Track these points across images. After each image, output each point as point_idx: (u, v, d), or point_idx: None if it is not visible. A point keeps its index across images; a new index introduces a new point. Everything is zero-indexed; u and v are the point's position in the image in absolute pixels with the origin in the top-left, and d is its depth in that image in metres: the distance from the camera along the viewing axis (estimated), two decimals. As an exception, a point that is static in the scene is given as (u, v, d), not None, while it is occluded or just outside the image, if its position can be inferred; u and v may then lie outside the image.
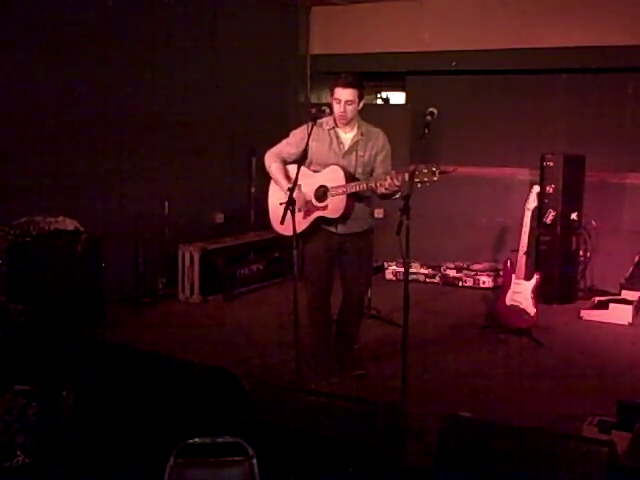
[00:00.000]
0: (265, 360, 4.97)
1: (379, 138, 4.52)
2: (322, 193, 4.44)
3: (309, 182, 4.46)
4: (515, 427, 2.90)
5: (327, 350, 4.73)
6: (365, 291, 4.80)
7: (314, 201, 4.47)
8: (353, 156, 4.47)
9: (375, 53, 7.85)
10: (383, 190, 4.21)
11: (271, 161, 4.57)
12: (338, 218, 4.44)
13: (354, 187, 4.33)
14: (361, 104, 4.43)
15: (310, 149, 4.47)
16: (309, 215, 4.49)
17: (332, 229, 4.52)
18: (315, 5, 8.15)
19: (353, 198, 4.41)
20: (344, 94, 4.35)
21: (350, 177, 4.40)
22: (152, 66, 6.50)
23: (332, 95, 4.41)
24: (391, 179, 4.11)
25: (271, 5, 7.86)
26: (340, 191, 4.35)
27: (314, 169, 4.50)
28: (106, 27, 6.05)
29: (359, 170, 4.47)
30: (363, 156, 4.48)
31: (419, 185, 3.94)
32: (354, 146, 4.48)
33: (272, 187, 4.64)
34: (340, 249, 4.58)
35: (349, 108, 4.37)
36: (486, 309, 6.42)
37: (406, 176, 3.98)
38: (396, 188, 4.12)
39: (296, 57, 8.30)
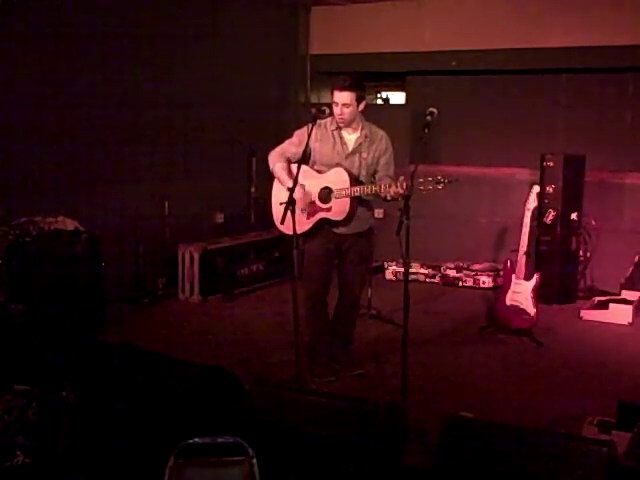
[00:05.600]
0: (265, 360, 4.97)
1: (382, 140, 4.53)
2: (326, 194, 4.45)
3: (313, 183, 4.47)
4: (515, 427, 2.90)
5: (324, 349, 4.74)
6: (361, 291, 4.81)
7: (318, 202, 4.48)
8: (356, 158, 4.48)
9: (375, 53, 7.84)
10: (387, 196, 4.22)
11: (275, 160, 4.57)
12: (342, 220, 4.45)
13: (359, 190, 4.33)
14: (361, 106, 4.42)
15: (313, 149, 4.49)
16: (312, 216, 4.50)
17: (334, 229, 4.53)
18: (315, 5, 8.15)
19: (356, 200, 4.41)
20: (341, 97, 4.35)
21: (354, 179, 4.40)
22: (152, 66, 6.49)
23: (332, 97, 4.42)
24: (396, 186, 4.12)
25: (271, 5, 7.85)
26: (345, 193, 4.36)
27: (318, 169, 4.51)
28: (106, 27, 6.05)
29: (363, 172, 4.47)
30: (366, 158, 4.48)
31: (424, 192, 3.98)
32: (358, 148, 4.49)
33: (275, 186, 4.64)
34: (340, 249, 4.59)
35: (346, 111, 4.37)
36: (486, 309, 6.42)
37: (412, 182, 3.99)
38: (400, 195, 4.11)
39: (296, 57, 8.30)
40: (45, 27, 5.61)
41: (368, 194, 4.36)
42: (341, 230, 4.52)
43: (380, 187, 4.25)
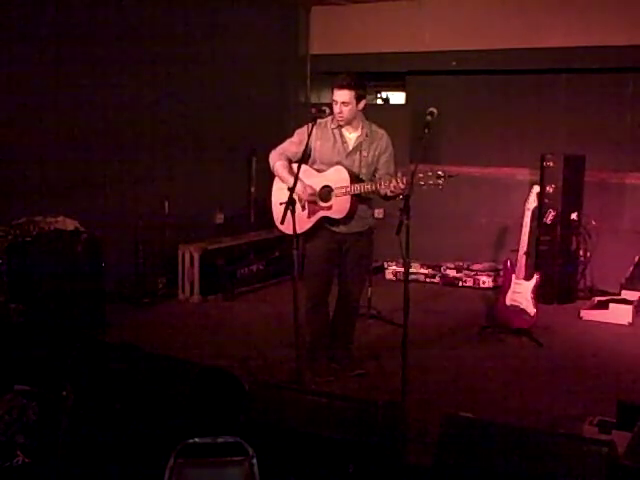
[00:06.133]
0: (265, 360, 4.97)
1: (383, 139, 4.54)
2: (326, 193, 4.45)
3: (313, 182, 4.48)
4: (515, 427, 2.90)
5: (324, 348, 4.74)
6: (361, 291, 4.82)
7: (318, 201, 4.48)
8: (357, 156, 4.49)
9: (375, 53, 7.84)
10: (388, 192, 4.23)
11: (276, 159, 4.58)
12: (342, 218, 4.45)
13: (359, 188, 4.34)
14: (361, 104, 4.43)
15: (314, 148, 4.50)
16: (313, 215, 4.51)
17: (334, 228, 4.53)
18: (315, 5, 8.15)
19: (357, 198, 4.42)
20: (339, 95, 4.37)
21: (355, 177, 4.41)
22: (152, 66, 6.50)
23: (332, 95, 4.44)
24: (396, 182, 4.13)
25: (271, 5, 7.85)
26: (345, 191, 4.36)
27: (318, 168, 4.52)
28: (106, 28, 6.06)
29: (363, 171, 4.48)
30: (367, 156, 4.49)
31: (424, 188, 3.99)
32: (358, 146, 4.49)
33: (275, 186, 4.65)
34: (341, 248, 4.59)
35: (345, 109, 4.39)
36: (486, 309, 6.42)
37: (412, 178, 3.99)
38: (400, 191, 4.12)
39: (296, 57, 8.30)
40: (45, 28, 5.61)
41: (368, 191, 4.36)
42: (341, 229, 4.53)
43: (380, 184, 4.27)
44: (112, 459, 3.16)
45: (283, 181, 4.49)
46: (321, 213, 4.49)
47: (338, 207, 4.43)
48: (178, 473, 2.62)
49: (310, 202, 4.49)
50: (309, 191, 4.43)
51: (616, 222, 6.96)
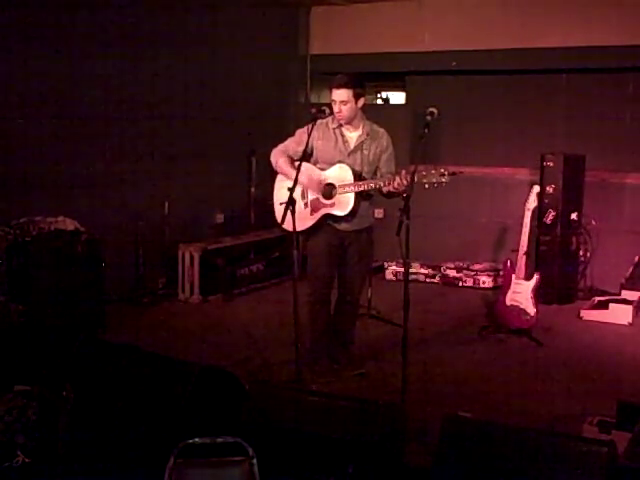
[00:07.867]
0: (265, 360, 4.97)
1: (383, 138, 4.57)
2: (329, 191, 4.47)
3: (316, 179, 4.49)
4: (515, 427, 2.90)
5: (325, 348, 4.75)
6: (361, 289, 4.83)
7: (321, 198, 4.50)
8: (358, 155, 4.51)
9: (375, 53, 7.84)
10: (391, 189, 4.24)
11: (278, 157, 4.62)
12: (345, 216, 4.47)
13: (363, 185, 4.37)
14: (360, 103, 4.45)
15: (315, 148, 4.53)
16: (316, 212, 4.53)
17: (336, 225, 4.56)
18: (315, 5, 8.15)
19: (359, 196, 4.44)
20: (337, 95, 4.41)
21: (357, 176, 4.44)
22: (152, 66, 6.50)
23: (330, 95, 4.47)
24: (400, 179, 4.14)
25: (271, 5, 7.85)
26: (348, 189, 4.38)
27: (320, 167, 4.54)
28: (106, 27, 6.05)
29: (365, 169, 4.51)
30: (368, 155, 4.52)
31: (427, 186, 4.00)
32: (359, 145, 4.52)
33: (277, 185, 4.67)
34: (342, 245, 4.60)
35: (344, 108, 4.41)
36: (486, 309, 6.42)
37: (415, 176, 4.00)
38: (403, 187, 4.14)
39: (296, 57, 8.30)
40: (45, 28, 5.61)
41: (372, 188, 4.39)
42: (344, 226, 4.55)
43: (384, 180, 4.30)
44: (112, 459, 3.16)
45: (287, 176, 4.52)
46: (324, 210, 4.51)
47: (341, 204, 4.45)
48: (178, 473, 2.62)
49: (312, 200, 4.50)
50: (313, 185, 4.45)
51: (616, 222, 6.95)
